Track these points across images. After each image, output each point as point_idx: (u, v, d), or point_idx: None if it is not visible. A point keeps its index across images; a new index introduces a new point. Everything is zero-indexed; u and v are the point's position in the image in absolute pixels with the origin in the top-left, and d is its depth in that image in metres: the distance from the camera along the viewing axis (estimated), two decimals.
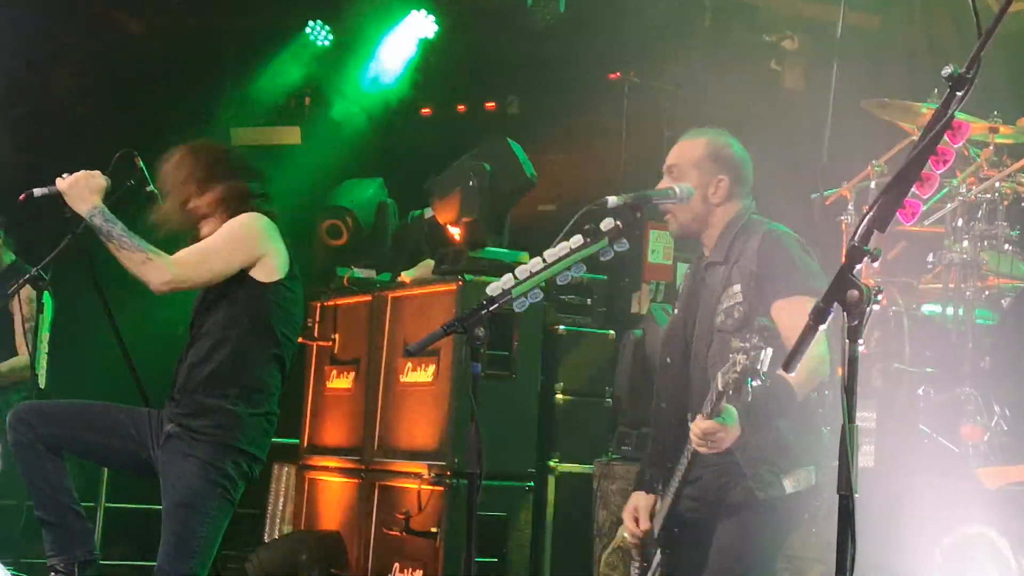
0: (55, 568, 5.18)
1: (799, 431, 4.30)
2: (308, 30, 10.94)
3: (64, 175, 5.12)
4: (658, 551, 4.46)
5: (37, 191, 5.20)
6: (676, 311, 4.70)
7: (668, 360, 4.58)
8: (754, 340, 3.64)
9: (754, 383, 3.69)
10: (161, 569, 5.03)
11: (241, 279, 5.16)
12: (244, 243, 5.18)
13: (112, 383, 5.79)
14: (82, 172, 5.10)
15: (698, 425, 4.00)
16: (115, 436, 5.26)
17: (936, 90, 6.65)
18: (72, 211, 5.11)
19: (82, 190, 5.06)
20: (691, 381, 4.43)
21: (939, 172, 2.81)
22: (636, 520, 4.54)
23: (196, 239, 5.28)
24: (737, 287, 4.34)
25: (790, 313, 4.15)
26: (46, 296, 6.95)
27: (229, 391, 5.11)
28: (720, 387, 3.81)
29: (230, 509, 5.16)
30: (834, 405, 4.40)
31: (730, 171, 4.52)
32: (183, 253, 5.14)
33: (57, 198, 5.13)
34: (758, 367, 3.62)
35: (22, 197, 5.21)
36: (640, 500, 4.57)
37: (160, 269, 5.00)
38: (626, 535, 4.60)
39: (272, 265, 5.20)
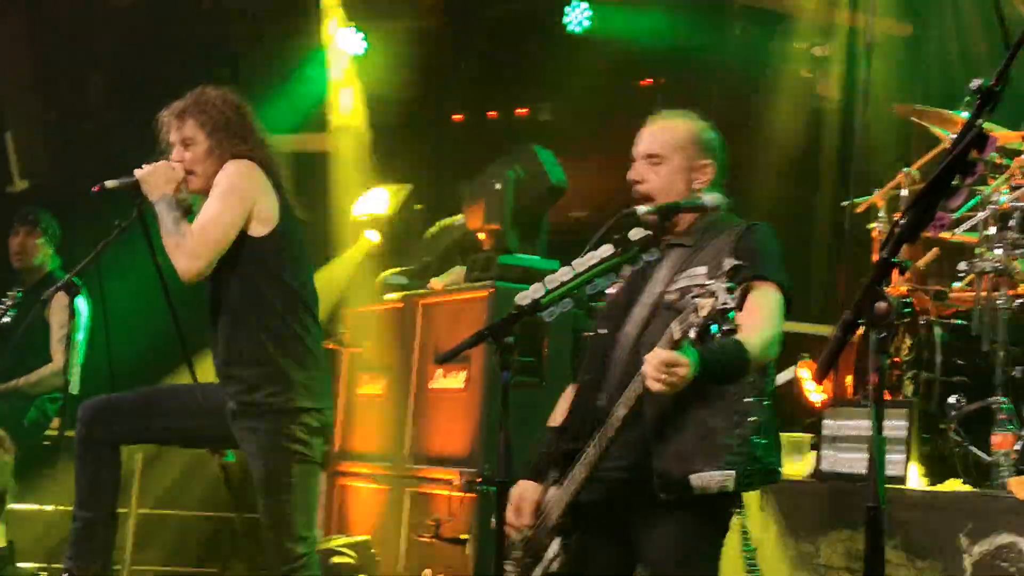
0: (70, 573, 5.14)
1: (721, 419, 3.95)
2: (339, 36, 10.97)
3: (144, 165, 5.09)
4: (556, 541, 4.12)
5: (109, 183, 5.17)
6: (616, 290, 4.31)
7: (603, 331, 4.25)
8: (722, 280, 3.44)
9: (723, 328, 3.43)
10: (269, 541, 5.03)
11: (239, 239, 4.97)
12: (240, 196, 4.98)
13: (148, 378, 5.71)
14: (164, 162, 5.09)
15: (656, 355, 3.60)
16: (190, 416, 5.18)
17: (967, 98, 6.63)
18: (141, 200, 5.07)
19: (159, 179, 5.03)
20: (614, 359, 4.12)
21: (967, 183, 2.80)
22: (518, 512, 4.15)
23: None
24: (702, 269, 4.02)
25: (756, 296, 3.81)
26: (78, 301, 7.02)
27: (268, 357, 4.97)
28: (676, 335, 3.53)
29: (315, 467, 5.06)
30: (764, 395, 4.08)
31: (714, 157, 4.29)
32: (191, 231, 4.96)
33: (130, 188, 5.09)
34: (728, 306, 3.39)
35: (95, 188, 5.17)
36: (528, 490, 4.18)
37: (184, 253, 4.89)
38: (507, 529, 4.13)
39: (265, 214, 5.01)
